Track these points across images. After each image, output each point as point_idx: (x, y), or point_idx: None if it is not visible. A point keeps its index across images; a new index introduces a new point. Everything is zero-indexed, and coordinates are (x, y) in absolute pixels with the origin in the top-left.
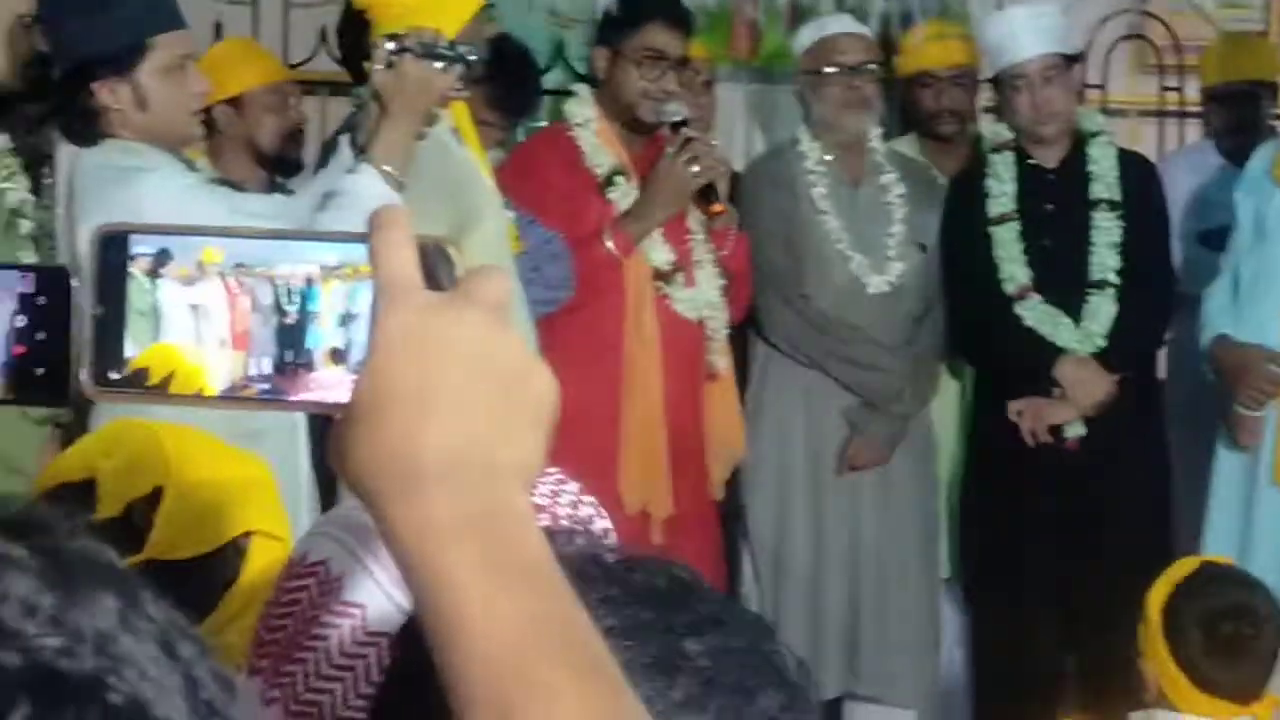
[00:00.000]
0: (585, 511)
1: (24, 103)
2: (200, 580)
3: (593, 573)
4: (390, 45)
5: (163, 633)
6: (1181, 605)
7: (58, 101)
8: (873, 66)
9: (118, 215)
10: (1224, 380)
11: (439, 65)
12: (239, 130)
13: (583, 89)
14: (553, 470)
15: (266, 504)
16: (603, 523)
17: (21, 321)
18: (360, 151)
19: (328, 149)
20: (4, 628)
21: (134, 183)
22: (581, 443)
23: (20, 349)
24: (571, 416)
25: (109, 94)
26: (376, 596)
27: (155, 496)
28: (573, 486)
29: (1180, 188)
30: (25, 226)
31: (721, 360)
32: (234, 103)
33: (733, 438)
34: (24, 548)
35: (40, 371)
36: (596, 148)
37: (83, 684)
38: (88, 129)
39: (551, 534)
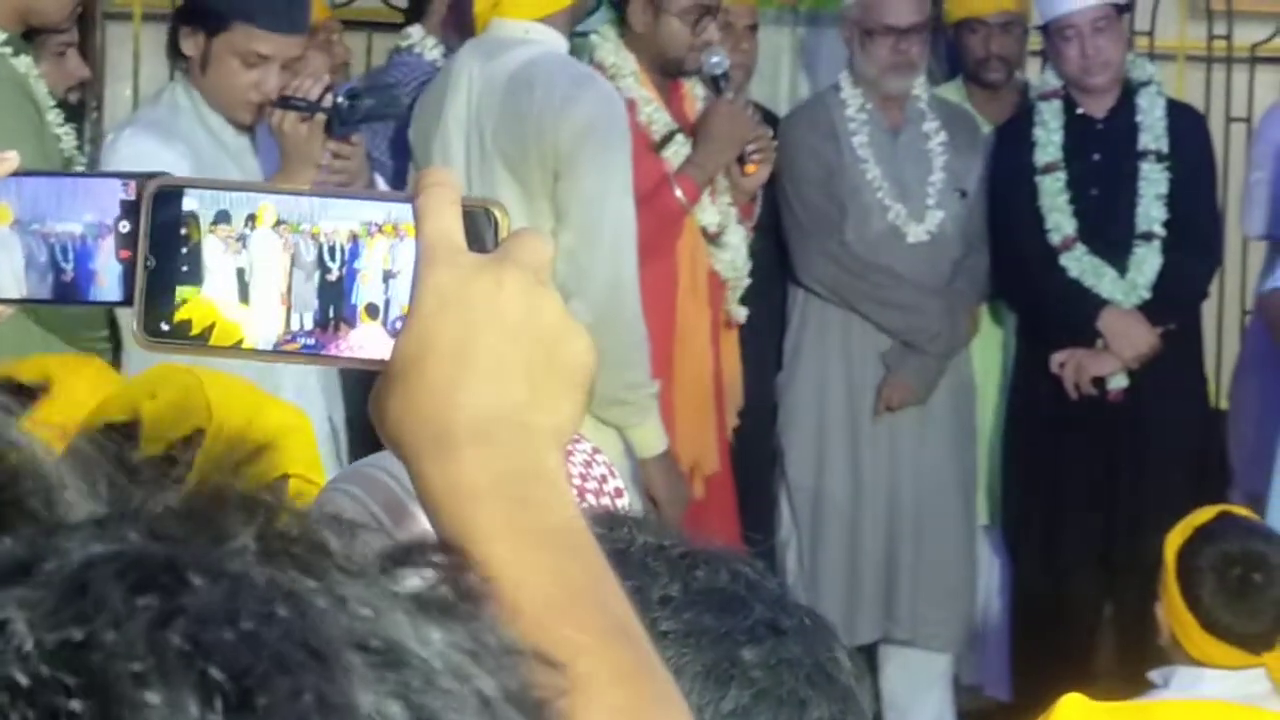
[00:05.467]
0: (599, 470)
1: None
2: None
3: (656, 567)
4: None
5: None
6: (1196, 549)
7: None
8: (921, 28)
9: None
10: (1274, 332)
11: (296, 116)
12: None
13: (607, 32)
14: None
15: (304, 449)
16: (616, 482)
17: (126, 228)
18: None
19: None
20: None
21: (118, 145)
22: None
23: (126, 253)
24: None
25: (190, 44)
26: None
27: (196, 438)
28: (587, 445)
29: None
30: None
31: (741, 310)
32: None
33: (737, 387)
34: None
35: None
36: (647, 101)
37: None
38: (175, 63)
39: (610, 522)
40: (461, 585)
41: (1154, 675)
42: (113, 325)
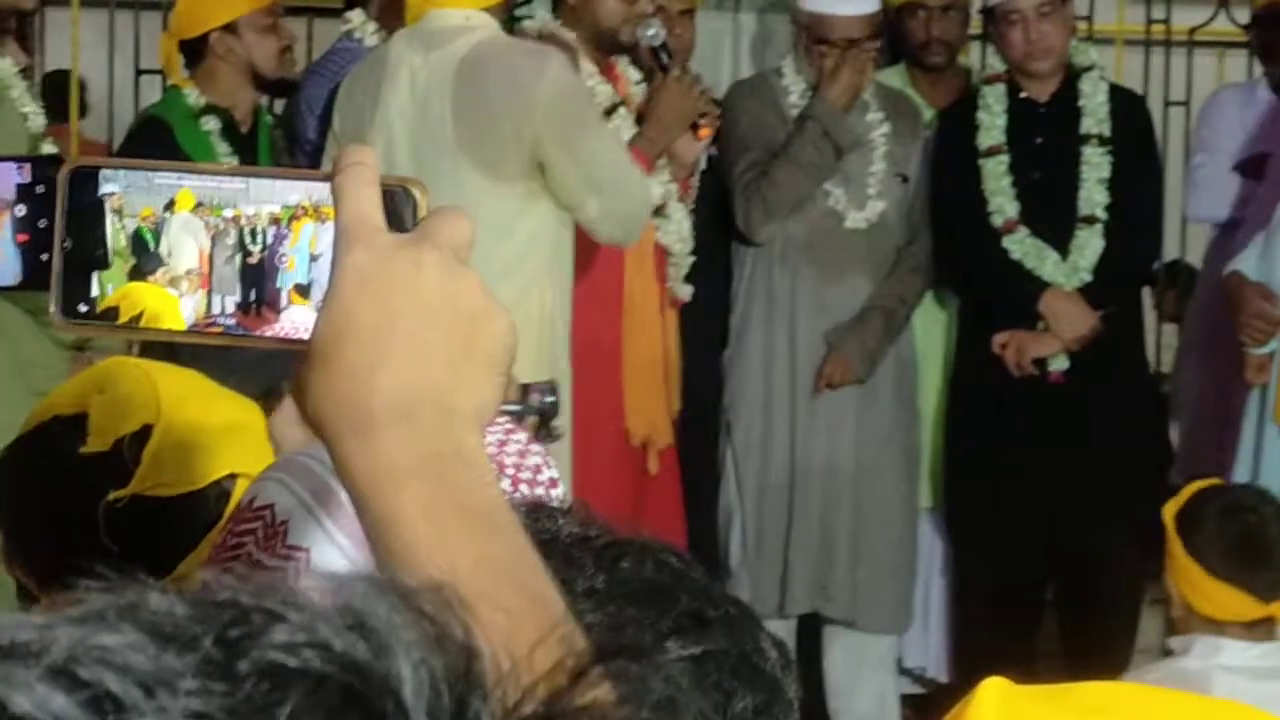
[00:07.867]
0: (533, 460)
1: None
2: (183, 518)
3: (580, 558)
4: None
5: None
6: (1196, 508)
7: None
8: (870, 44)
9: None
10: (1230, 315)
11: None
12: (236, 55)
13: (541, 12)
14: (501, 419)
15: (252, 447)
16: (550, 473)
17: (22, 211)
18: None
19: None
20: None
21: None
22: (589, 375)
23: (24, 237)
24: (579, 349)
25: None
26: (326, 547)
27: (144, 434)
28: (521, 436)
29: (1229, 119)
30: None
31: (685, 289)
32: (227, 29)
33: (677, 368)
34: None
35: (45, 257)
36: (590, 74)
37: None
38: None
39: (535, 512)
40: None
41: (1173, 643)
42: None
